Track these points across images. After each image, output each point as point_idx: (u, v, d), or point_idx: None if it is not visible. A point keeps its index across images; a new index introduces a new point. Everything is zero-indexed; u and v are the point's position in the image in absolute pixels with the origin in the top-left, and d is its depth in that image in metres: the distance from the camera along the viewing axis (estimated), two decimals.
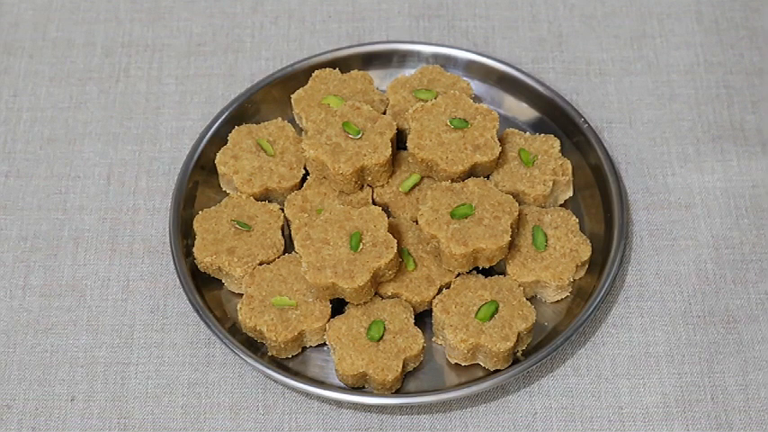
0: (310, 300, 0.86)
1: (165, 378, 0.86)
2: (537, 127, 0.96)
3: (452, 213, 0.86)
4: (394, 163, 0.92)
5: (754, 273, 0.90)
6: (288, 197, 0.91)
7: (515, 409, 0.85)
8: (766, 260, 0.91)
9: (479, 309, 0.85)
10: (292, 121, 0.96)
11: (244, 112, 0.96)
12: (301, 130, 0.95)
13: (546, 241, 0.88)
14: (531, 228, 0.89)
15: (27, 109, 1.00)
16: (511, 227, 0.86)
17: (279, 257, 0.88)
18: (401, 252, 0.88)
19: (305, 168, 0.92)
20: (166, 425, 0.85)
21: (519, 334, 0.85)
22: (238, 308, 0.86)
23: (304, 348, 0.87)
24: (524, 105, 0.97)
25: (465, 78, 0.97)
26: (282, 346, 0.85)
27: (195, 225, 0.90)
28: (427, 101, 0.93)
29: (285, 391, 0.86)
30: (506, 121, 0.97)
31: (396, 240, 0.85)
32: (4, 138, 0.98)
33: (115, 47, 1.03)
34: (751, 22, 1.04)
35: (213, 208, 0.91)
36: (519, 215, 0.88)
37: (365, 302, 0.86)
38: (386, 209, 0.91)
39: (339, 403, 0.85)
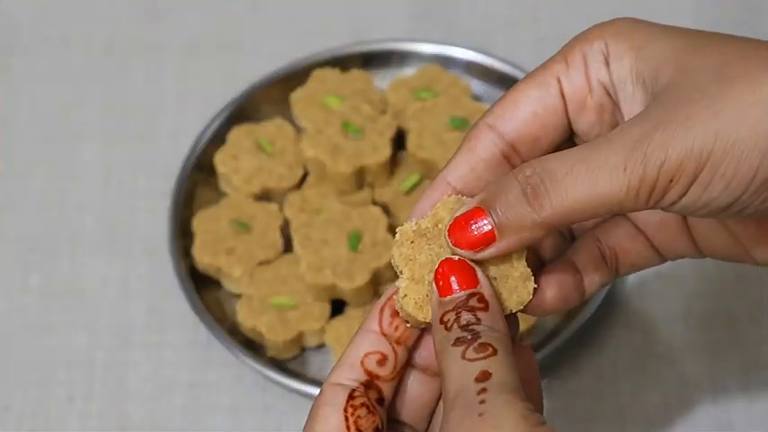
0: (309, 300, 0.86)
1: (163, 379, 0.86)
2: None
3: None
4: (394, 163, 0.92)
5: (755, 272, 0.90)
6: (287, 197, 0.91)
7: None
8: None
9: None
10: (292, 122, 0.96)
11: (243, 112, 0.95)
12: (301, 129, 0.95)
13: None
14: None
15: (26, 109, 0.99)
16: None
17: (278, 258, 0.88)
18: None
19: (304, 168, 0.92)
20: (165, 425, 0.85)
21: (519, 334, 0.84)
22: (237, 308, 0.86)
23: (303, 349, 0.87)
24: None
25: (465, 78, 0.97)
26: (282, 346, 0.85)
27: (194, 225, 0.89)
28: (427, 101, 0.93)
29: (284, 391, 0.86)
30: None
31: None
32: (2, 138, 0.98)
33: (115, 47, 1.03)
34: (751, 23, 1.03)
35: (212, 208, 0.90)
36: None
37: (365, 303, 0.86)
38: (386, 209, 0.91)
39: None
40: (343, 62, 0.98)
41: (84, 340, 0.88)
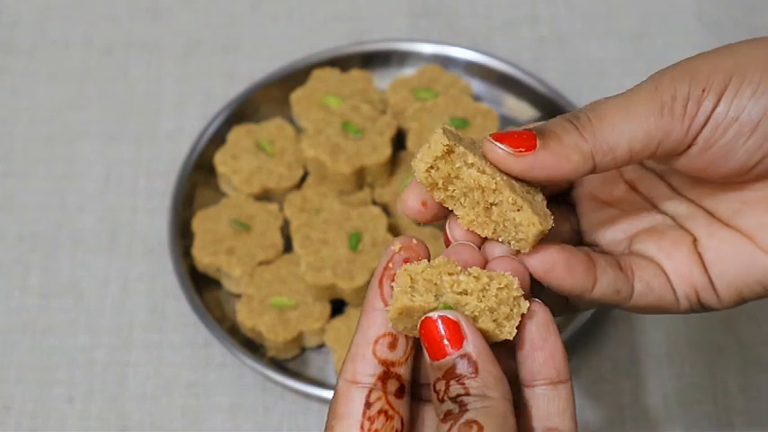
0: (309, 300, 0.86)
1: (163, 379, 0.86)
2: None
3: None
4: (394, 163, 0.92)
5: None
6: (287, 197, 0.91)
7: None
8: None
9: None
10: (292, 121, 0.96)
11: (243, 111, 0.95)
12: (301, 129, 0.95)
13: None
14: None
15: (26, 109, 0.99)
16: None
17: (278, 258, 0.88)
18: None
19: (304, 168, 0.92)
20: (165, 426, 0.84)
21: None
22: (237, 308, 0.86)
23: (303, 349, 0.87)
24: (524, 105, 0.97)
25: (465, 78, 0.97)
26: (282, 346, 0.85)
27: (194, 225, 0.89)
28: (427, 101, 0.93)
29: (284, 392, 0.86)
30: (506, 121, 0.96)
31: None
32: (2, 137, 0.98)
33: (114, 47, 1.03)
34: (752, 22, 1.03)
35: (212, 208, 0.90)
36: None
37: None
38: (386, 209, 0.90)
39: None
40: (343, 62, 0.98)
41: (84, 340, 0.88)
